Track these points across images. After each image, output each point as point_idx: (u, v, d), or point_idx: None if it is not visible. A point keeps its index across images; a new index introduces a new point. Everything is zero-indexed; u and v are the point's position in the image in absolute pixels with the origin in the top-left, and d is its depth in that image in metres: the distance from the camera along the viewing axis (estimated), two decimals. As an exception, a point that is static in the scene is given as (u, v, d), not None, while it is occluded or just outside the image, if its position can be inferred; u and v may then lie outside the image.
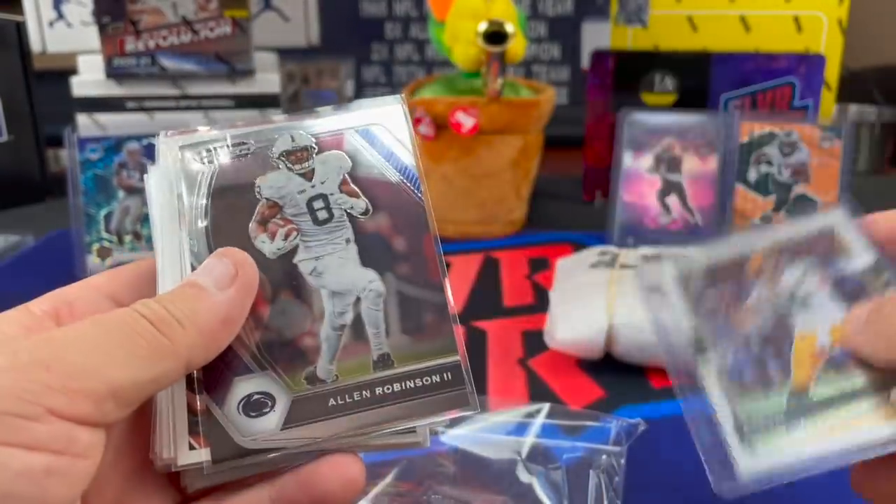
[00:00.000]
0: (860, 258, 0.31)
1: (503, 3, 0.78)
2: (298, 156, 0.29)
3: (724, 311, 0.31)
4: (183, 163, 0.28)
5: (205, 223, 0.27)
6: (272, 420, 0.25)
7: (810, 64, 0.84)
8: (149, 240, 0.71)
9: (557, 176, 0.97)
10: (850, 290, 0.30)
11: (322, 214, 0.28)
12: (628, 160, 0.78)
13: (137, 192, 0.72)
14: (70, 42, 0.95)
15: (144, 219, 0.72)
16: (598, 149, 0.91)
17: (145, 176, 0.28)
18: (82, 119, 0.86)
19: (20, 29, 0.94)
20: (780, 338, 0.30)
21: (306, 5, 1.02)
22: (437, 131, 0.78)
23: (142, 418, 0.25)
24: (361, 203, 0.28)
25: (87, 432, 0.20)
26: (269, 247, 0.27)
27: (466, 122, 0.76)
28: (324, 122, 0.30)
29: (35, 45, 0.95)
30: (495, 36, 0.73)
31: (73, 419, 0.20)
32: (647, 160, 0.77)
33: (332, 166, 0.28)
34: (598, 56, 0.90)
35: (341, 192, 0.28)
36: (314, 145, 0.29)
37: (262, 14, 1.00)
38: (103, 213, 0.71)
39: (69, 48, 0.94)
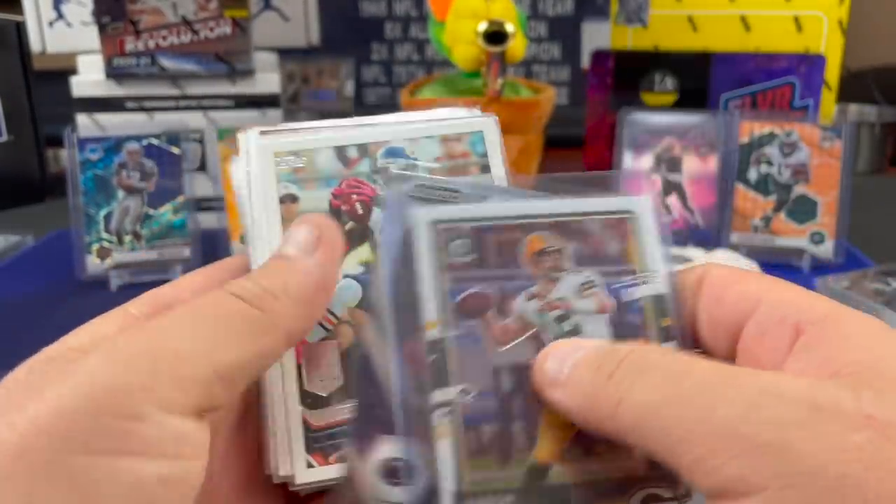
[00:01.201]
0: (648, 281, 0.25)
1: (503, 3, 0.77)
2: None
3: (480, 312, 0.24)
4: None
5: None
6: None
7: (810, 64, 0.84)
8: (149, 240, 0.71)
9: (557, 176, 0.97)
10: (627, 325, 0.24)
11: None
12: (628, 160, 0.78)
13: (137, 192, 0.72)
14: (70, 42, 0.95)
15: (144, 219, 0.71)
16: (598, 149, 0.91)
17: (237, 165, 0.28)
18: (82, 119, 0.86)
19: (20, 29, 0.94)
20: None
21: (306, 5, 1.02)
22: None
23: (246, 422, 0.25)
24: None
25: (196, 427, 0.19)
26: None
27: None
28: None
29: (35, 45, 0.95)
30: (495, 36, 0.73)
31: (184, 410, 0.19)
32: (647, 160, 0.77)
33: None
34: (598, 56, 0.89)
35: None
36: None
37: (262, 14, 1.00)
38: (103, 213, 0.71)
39: (69, 48, 0.94)
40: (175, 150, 0.73)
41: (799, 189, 0.74)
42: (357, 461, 0.23)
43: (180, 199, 0.73)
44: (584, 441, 0.23)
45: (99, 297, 0.66)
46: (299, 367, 0.25)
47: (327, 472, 0.24)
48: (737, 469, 0.17)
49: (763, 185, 0.75)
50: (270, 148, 0.27)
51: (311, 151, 0.27)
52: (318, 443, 0.24)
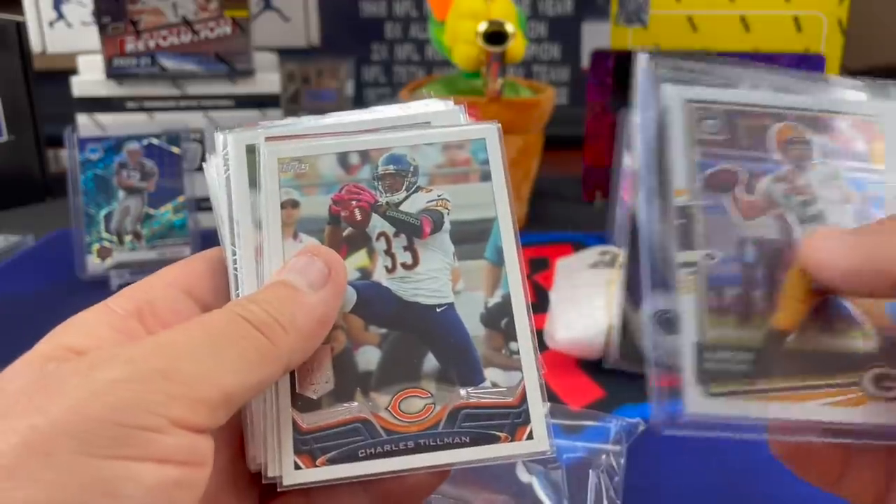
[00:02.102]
0: (890, 185, 0.26)
1: (503, 3, 0.77)
2: None
3: (728, 187, 0.25)
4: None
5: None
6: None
7: (810, 64, 0.84)
8: (149, 240, 0.71)
9: (557, 176, 0.97)
10: (870, 218, 0.25)
11: None
12: (628, 160, 0.78)
13: (137, 192, 0.72)
14: (70, 42, 0.95)
15: (145, 219, 0.72)
16: (597, 149, 0.91)
17: (210, 164, 0.28)
18: (82, 119, 0.86)
19: (20, 29, 0.94)
20: (778, 255, 0.25)
21: (306, 5, 1.02)
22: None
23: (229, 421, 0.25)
24: None
25: (204, 440, 0.21)
26: None
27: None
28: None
29: (35, 45, 0.95)
30: (495, 36, 0.73)
31: (194, 428, 0.20)
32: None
33: None
34: (598, 56, 0.90)
35: None
36: None
37: (262, 14, 1.00)
38: (103, 213, 0.71)
39: (69, 48, 0.94)
40: (175, 150, 0.73)
41: (799, 189, 0.74)
42: (630, 311, 0.25)
43: (180, 198, 0.73)
44: (823, 315, 0.24)
45: (99, 297, 0.66)
46: (292, 371, 0.25)
47: (314, 475, 0.24)
48: None
49: (763, 185, 0.75)
50: (275, 153, 0.28)
51: (313, 157, 0.28)
52: (306, 445, 0.25)
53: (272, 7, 1.00)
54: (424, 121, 0.29)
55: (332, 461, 0.25)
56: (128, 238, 0.71)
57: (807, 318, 0.24)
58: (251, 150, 0.28)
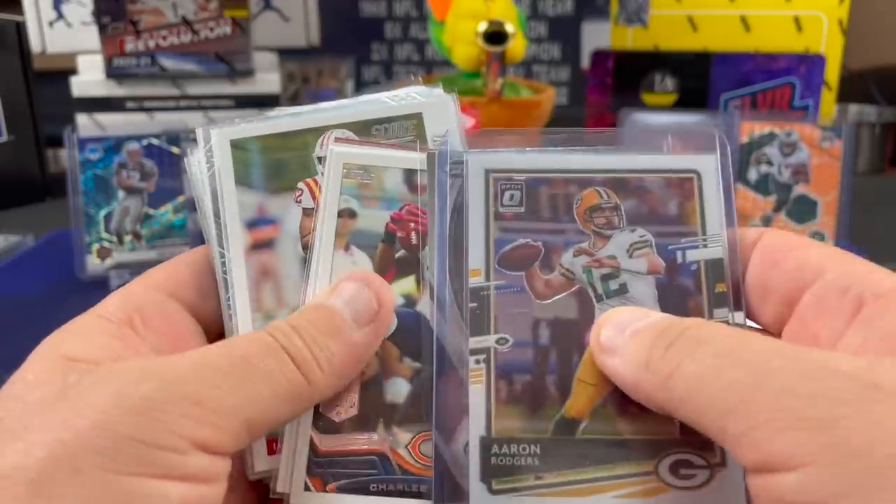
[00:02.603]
0: (708, 245, 0.24)
1: (503, 3, 0.77)
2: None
3: (525, 264, 0.24)
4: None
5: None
6: None
7: (810, 64, 0.84)
8: (149, 240, 0.71)
9: (557, 176, 0.97)
10: (678, 288, 0.24)
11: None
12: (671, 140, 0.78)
13: (137, 192, 0.72)
14: (70, 42, 0.95)
15: (144, 219, 0.71)
16: (598, 149, 0.91)
17: (192, 159, 0.27)
18: (82, 119, 0.86)
19: (20, 29, 0.93)
20: (575, 336, 0.23)
21: (306, 5, 1.02)
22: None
23: None
24: None
25: (223, 460, 0.21)
26: None
27: (466, 122, 0.75)
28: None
29: (35, 45, 0.95)
30: (495, 36, 0.73)
31: (215, 451, 0.20)
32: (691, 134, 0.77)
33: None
34: (599, 56, 0.89)
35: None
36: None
37: (262, 14, 1.00)
38: (103, 213, 0.71)
39: (69, 48, 0.94)
40: (175, 150, 0.73)
41: (799, 189, 0.74)
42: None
43: (180, 198, 0.73)
44: (617, 400, 0.23)
45: (99, 297, 0.66)
46: None
47: (322, 500, 0.24)
48: (784, 443, 0.17)
49: (763, 185, 0.75)
50: (342, 157, 0.26)
51: (381, 169, 0.26)
52: (320, 468, 0.24)
53: (272, 7, 1.00)
54: (415, 112, 0.27)
55: (342, 489, 0.24)
56: (127, 238, 0.71)
57: (601, 403, 0.23)
58: (236, 146, 0.27)
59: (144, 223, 0.71)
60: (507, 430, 0.22)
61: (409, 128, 0.27)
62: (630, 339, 0.21)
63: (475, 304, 0.23)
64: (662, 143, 0.26)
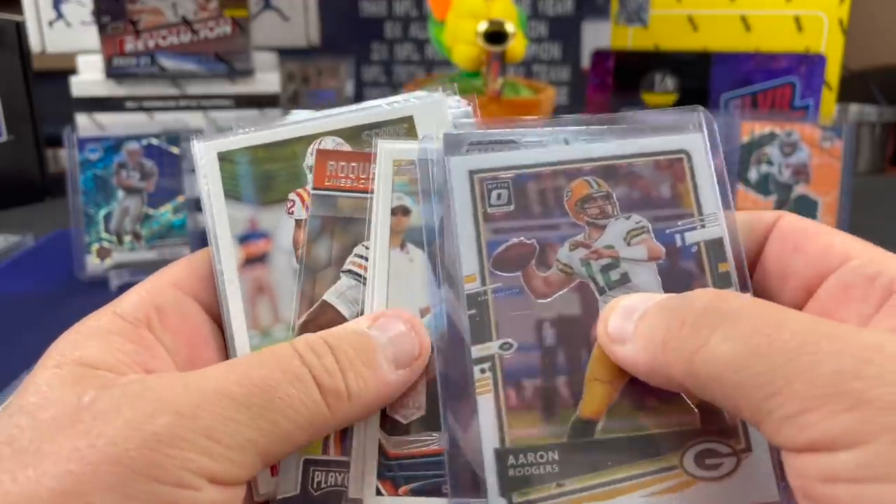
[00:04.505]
0: (705, 224, 0.23)
1: (503, 3, 0.77)
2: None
3: (521, 264, 0.23)
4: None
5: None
6: None
7: (811, 64, 0.84)
8: (149, 240, 0.71)
9: (558, 176, 0.97)
10: (681, 272, 0.23)
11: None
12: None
13: (137, 192, 0.71)
14: (69, 42, 0.95)
15: (144, 219, 0.71)
16: (598, 149, 0.91)
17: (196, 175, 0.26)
18: (82, 119, 0.86)
19: (19, 29, 0.93)
20: (580, 331, 0.23)
21: (306, 5, 1.02)
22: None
23: None
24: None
25: (237, 490, 0.20)
26: None
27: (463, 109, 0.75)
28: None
29: (34, 44, 0.95)
30: (495, 35, 0.73)
31: (230, 483, 0.20)
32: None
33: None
34: (599, 56, 0.89)
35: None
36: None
37: (262, 14, 0.99)
38: (102, 213, 0.70)
39: (69, 48, 0.94)
40: (175, 150, 0.73)
41: (799, 189, 0.74)
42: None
43: (180, 199, 0.73)
44: (633, 395, 0.22)
45: (99, 297, 0.66)
46: None
47: (395, 503, 0.23)
48: (842, 423, 0.16)
49: (763, 185, 0.75)
50: (391, 154, 0.25)
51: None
52: (391, 471, 0.23)
53: (272, 6, 1.00)
54: (406, 115, 0.27)
55: (414, 492, 0.23)
56: (127, 238, 0.71)
57: (617, 400, 0.22)
58: (223, 158, 0.26)
59: (144, 223, 0.71)
60: (522, 439, 0.21)
61: (400, 132, 0.26)
62: (639, 322, 0.21)
63: (473, 311, 0.22)
64: (646, 128, 0.26)
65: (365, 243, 0.25)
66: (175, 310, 0.25)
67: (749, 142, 0.75)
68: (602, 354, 0.22)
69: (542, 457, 0.21)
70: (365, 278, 0.25)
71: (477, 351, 0.22)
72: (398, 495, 0.23)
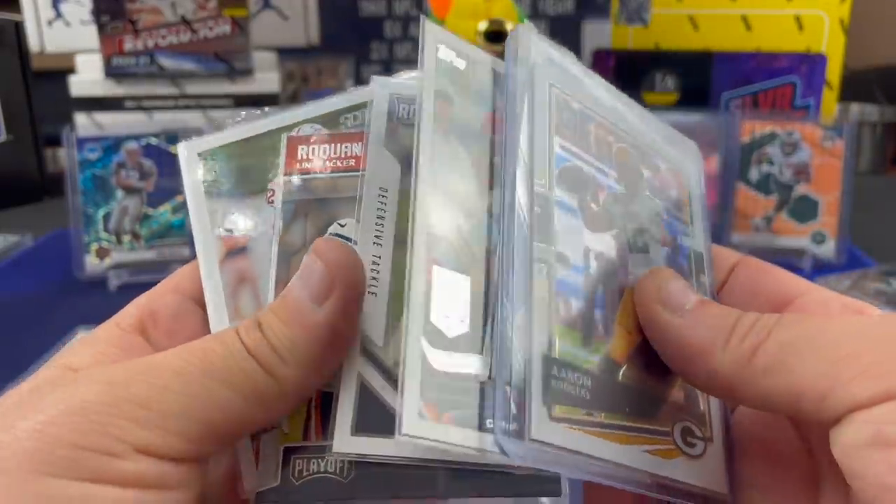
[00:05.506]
0: (692, 240, 0.26)
1: (503, 2, 0.77)
2: None
3: (579, 189, 0.23)
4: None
5: None
6: None
7: (812, 63, 0.83)
8: (148, 239, 0.71)
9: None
10: (678, 267, 0.25)
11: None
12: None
13: (136, 191, 0.71)
14: (69, 41, 0.94)
15: (143, 218, 0.71)
16: (598, 148, 0.91)
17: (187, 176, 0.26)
18: (81, 119, 0.86)
19: (19, 28, 0.93)
20: (614, 276, 0.23)
21: (305, 4, 1.01)
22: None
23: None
24: None
25: (183, 467, 0.19)
26: None
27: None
28: None
29: (33, 44, 0.95)
30: (495, 35, 0.73)
31: (167, 457, 0.19)
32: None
33: None
34: (599, 55, 0.89)
35: None
36: None
37: (262, 13, 0.99)
38: (102, 213, 0.70)
39: (68, 48, 0.94)
40: (174, 150, 0.73)
41: (800, 189, 0.74)
42: None
43: (179, 198, 0.72)
44: (647, 353, 0.22)
45: (98, 296, 0.66)
46: (427, 294, 0.21)
47: (436, 432, 0.20)
48: None
49: (764, 185, 0.75)
50: (438, 43, 0.24)
51: (474, 65, 0.25)
52: (432, 391, 0.20)
53: (271, 6, 1.00)
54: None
55: (458, 422, 0.20)
56: (126, 238, 0.71)
57: (634, 352, 0.22)
58: (203, 157, 0.26)
59: (143, 223, 0.71)
60: (567, 354, 0.21)
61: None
62: (703, 306, 0.21)
63: (539, 210, 0.22)
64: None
65: (340, 221, 0.24)
66: (169, 311, 0.24)
67: (750, 141, 0.75)
68: (630, 306, 0.23)
69: (579, 379, 0.21)
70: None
71: (539, 250, 0.21)
72: (441, 423, 0.20)
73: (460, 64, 0.25)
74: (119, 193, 0.71)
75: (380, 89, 0.25)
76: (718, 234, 0.76)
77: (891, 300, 0.61)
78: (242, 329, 0.21)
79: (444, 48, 0.24)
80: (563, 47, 0.26)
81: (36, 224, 0.85)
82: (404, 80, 0.25)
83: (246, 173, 0.26)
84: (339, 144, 0.25)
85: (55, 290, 0.68)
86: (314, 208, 0.25)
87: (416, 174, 0.22)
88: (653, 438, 0.22)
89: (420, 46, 0.24)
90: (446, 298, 0.21)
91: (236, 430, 0.20)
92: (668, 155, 0.27)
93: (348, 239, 0.24)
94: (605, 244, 0.23)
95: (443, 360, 0.21)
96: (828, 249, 0.73)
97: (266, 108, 0.27)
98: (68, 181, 0.69)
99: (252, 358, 0.20)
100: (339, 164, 0.25)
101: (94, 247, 0.70)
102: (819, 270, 0.72)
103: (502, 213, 0.22)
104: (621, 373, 0.22)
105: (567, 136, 0.24)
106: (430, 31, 0.24)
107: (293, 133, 0.26)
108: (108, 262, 0.70)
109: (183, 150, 0.26)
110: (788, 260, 0.73)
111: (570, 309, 0.21)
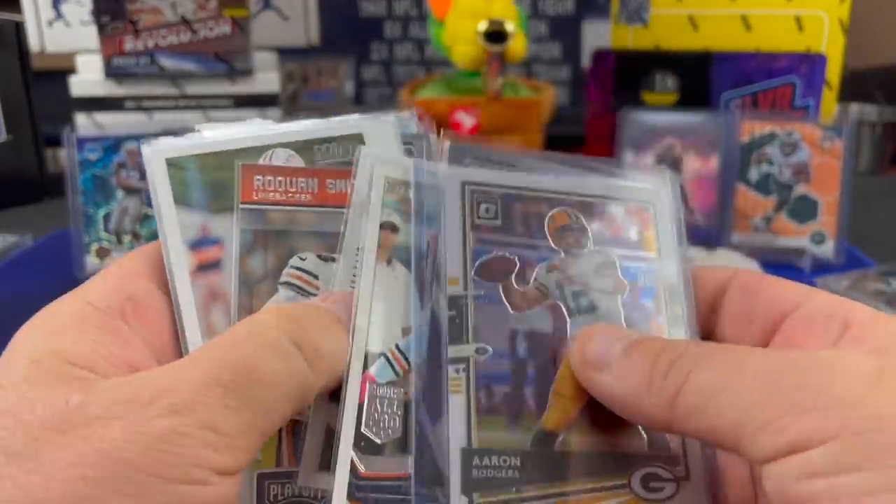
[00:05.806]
0: (661, 273, 0.26)
1: (503, 2, 0.77)
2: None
3: (502, 276, 0.24)
4: None
5: None
6: None
7: (811, 63, 0.83)
8: (148, 239, 0.71)
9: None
10: (639, 307, 0.25)
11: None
12: (629, 160, 0.77)
13: (136, 192, 0.71)
14: (69, 42, 0.95)
15: (144, 219, 0.71)
16: (598, 149, 0.91)
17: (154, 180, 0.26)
18: (81, 119, 0.86)
19: (19, 28, 0.93)
20: (550, 347, 0.24)
21: (306, 4, 1.01)
22: (437, 131, 0.78)
23: None
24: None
25: (241, 475, 0.20)
26: None
27: (467, 121, 0.75)
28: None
29: (34, 44, 0.95)
30: (495, 35, 0.73)
31: (236, 472, 0.20)
32: (647, 160, 0.77)
33: None
34: (599, 55, 0.89)
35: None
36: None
37: (262, 13, 0.99)
38: (102, 213, 0.70)
39: (68, 48, 0.94)
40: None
41: (800, 189, 0.74)
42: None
43: (179, 198, 0.72)
44: (591, 415, 0.23)
45: (98, 297, 0.66)
46: (360, 406, 0.23)
47: None
48: (808, 423, 0.18)
49: (764, 185, 0.75)
50: (382, 175, 0.25)
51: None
52: (361, 492, 0.22)
53: (271, 6, 1.00)
54: (356, 132, 0.27)
55: None
56: (126, 238, 0.71)
57: (578, 416, 0.23)
58: (172, 164, 0.25)
59: (143, 223, 0.71)
60: (488, 442, 0.22)
61: (350, 149, 0.26)
62: (624, 356, 0.22)
63: (453, 313, 0.23)
64: (625, 168, 0.28)
65: (301, 255, 0.25)
66: (148, 300, 0.24)
67: (749, 142, 0.75)
68: (569, 373, 0.23)
69: (504, 461, 0.22)
70: (303, 290, 0.25)
71: (454, 351, 0.23)
72: None
73: (409, 194, 0.25)
74: (119, 193, 0.71)
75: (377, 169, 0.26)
76: (718, 235, 0.76)
77: (890, 300, 0.61)
78: (286, 321, 0.22)
79: (394, 183, 0.26)
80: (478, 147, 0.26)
81: (36, 224, 0.85)
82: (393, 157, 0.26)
83: (218, 188, 0.26)
84: (295, 178, 0.26)
85: (55, 290, 0.67)
86: (273, 239, 0.26)
87: (357, 304, 0.24)
88: (605, 495, 0.22)
89: (368, 179, 0.25)
90: (378, 409, 0.23)
91: (277, 427, 0.21)
92: (630, 195, 0.27)
93: (310, 273, 0.25)
94: (537, 321, 0.24)
95: (371, 465, 0.22)
96: (827, 249, 0.73)
97: (248, 120, 0.27)
98: (68, 181, 0.69)
99: (303, 357, 0.21)
100: (296, 197, 0.26)
101: (95, 247, 0.70)
102: (818, 270, 0.72)
103: (421, 324, 0.23)
104: (559, 441, 0.23)
105: (485, 228, 0.24)
106: (378, 170, 0.25)
107: (273, 157, 0.26)
108: (108, 262, 0.70)
109: (149, 154, 0.26)
110: (788, 260, 0.74)
111: (493, 396, 0.23)
